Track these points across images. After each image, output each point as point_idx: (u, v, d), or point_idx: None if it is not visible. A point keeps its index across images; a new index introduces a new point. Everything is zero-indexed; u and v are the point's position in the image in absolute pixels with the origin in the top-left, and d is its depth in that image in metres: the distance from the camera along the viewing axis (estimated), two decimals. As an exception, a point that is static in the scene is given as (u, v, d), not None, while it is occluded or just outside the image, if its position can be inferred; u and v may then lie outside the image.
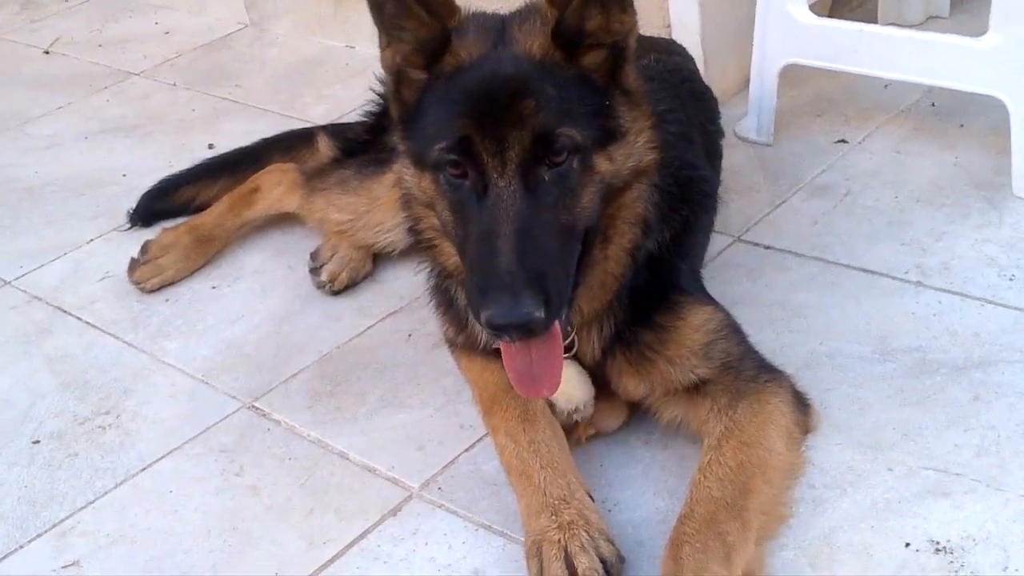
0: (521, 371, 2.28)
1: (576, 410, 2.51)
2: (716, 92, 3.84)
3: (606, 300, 2.47)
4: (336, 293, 3.31)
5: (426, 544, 2.41)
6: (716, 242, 3.19)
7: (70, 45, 5.57)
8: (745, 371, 2.47)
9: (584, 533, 2.21)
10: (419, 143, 2.34)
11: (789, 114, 3.78)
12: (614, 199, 2.35)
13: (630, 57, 2.35)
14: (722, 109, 3.79)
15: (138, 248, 3.52)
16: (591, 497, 2.35)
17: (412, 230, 2.59)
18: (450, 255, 2.46)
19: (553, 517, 2.26)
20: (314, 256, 3.38)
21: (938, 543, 2.20)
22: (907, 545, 2.21)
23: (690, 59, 3.50)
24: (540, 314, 2.11)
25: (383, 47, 2.39)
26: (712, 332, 2.50)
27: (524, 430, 2.46)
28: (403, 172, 2.47)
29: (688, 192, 2.60)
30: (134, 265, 3.45)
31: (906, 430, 2.47)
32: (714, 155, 3.12)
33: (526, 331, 2.14)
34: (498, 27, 2.35)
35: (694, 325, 2.49)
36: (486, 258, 2.18)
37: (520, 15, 2.36)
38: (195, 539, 2.53)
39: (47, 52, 5.55)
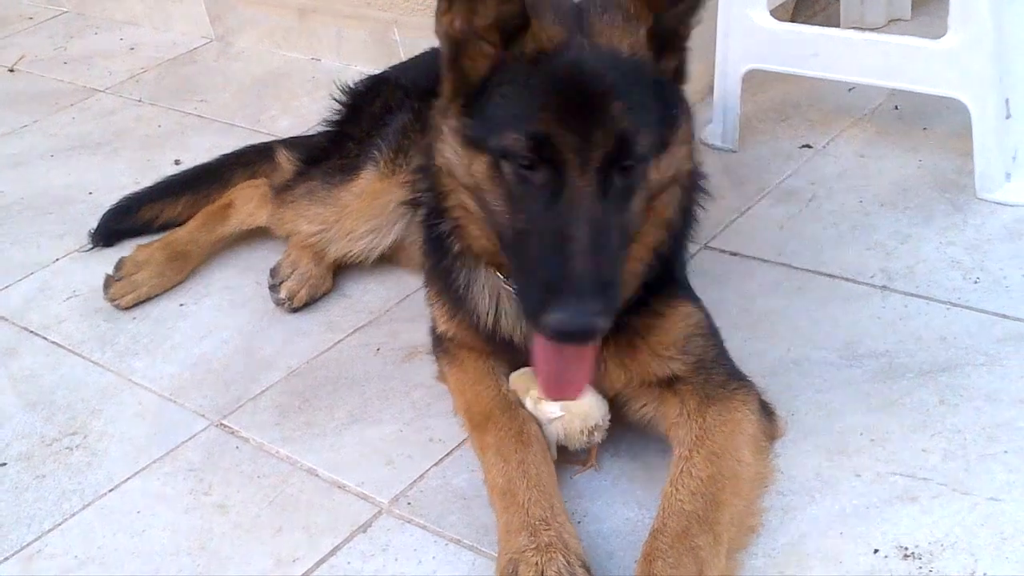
0: (554, 372, 2.26)
1: (595, 428, 2.47)
2: (681, 99, 3.87)
3: (624, 297, 2.36)
4: (295, 310, 3.29)
5: (396, 560, 2.40)
6: (683, 249, 3.20)
7: (35, 63, 5.54)
8: (716, 374, 2.48)
9: (561, 557, 2.18)
10: (483, 125, 2.23)
11: (754, 119, 3.80)
12: (649, 204, 2.31)
13: (687, 63, 2.34)
14: (687, 116, 3.83)
15: (107, 266, 3.50)
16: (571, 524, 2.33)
17: (430, 203, 2.52)
18: (479, 238, 2.40)
19: (532, 537, 2.23)
20: (273, 273, 3.37)
21: (906, 549, 2.21)
22: (876, 551, 2.21)
23: None
24: (606, 324, 2.10)
25: (442, 12, 2.25)
26: (693, 327, 2.51)
27: (516, 450, 2.42)
28: (443, 148, 2.34)
29: (694, 188, 2.58)
30: (109, 282, 3.43)
31: (873, 435, 2.48)
32: None
33: (588, 339, 2.13)
34: (575, 14, 2.25)
35: (679, 317, 2.50)
36: (555, 259, 2.11)
37: (599, 4, 2.25)
38: (164, 559, 2.52)
39: (12, 70, 5.51)
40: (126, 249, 3.61)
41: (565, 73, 2.18)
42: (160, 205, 3.75)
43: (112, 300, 3.42)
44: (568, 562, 2.18)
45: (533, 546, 2.21)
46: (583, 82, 2.16)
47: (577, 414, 2.46)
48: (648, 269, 2.44)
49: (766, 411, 2.51)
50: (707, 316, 2.57)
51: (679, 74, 2.33)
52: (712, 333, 2.55)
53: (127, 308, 3.41)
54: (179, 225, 3.66)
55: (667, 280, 2.52)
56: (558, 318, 2.07)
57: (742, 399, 2.45)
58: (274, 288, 3.34)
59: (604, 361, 2.47)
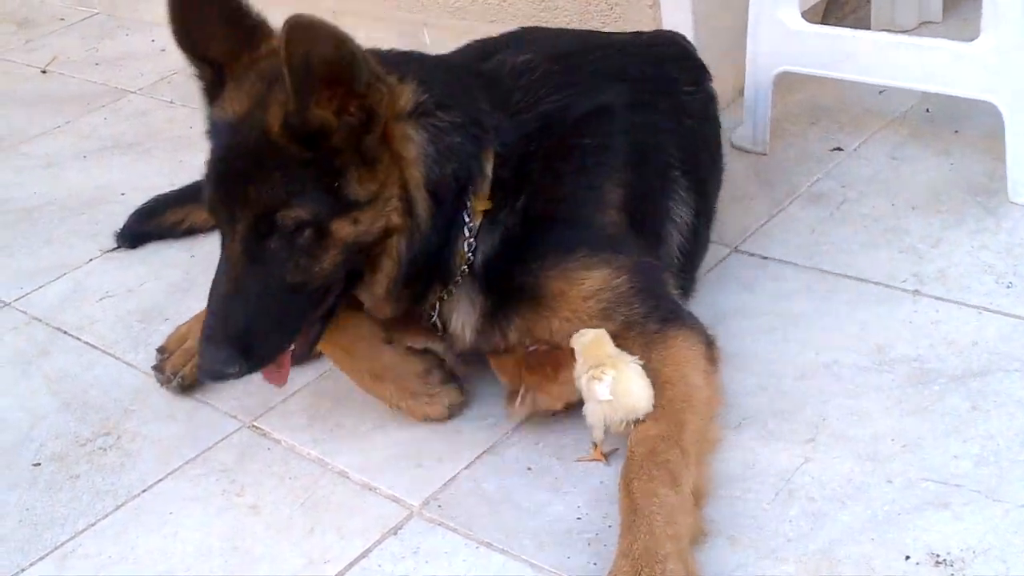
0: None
1: (638, 421, 2.45)
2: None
3: (404, 299, 2.62)
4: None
5: (427, 562, 2.42)
6: (713, 252, 3.20)
7: (67, 64, 5.58)
8: (650, 326, 2.58)
9: None
10: None
11: (784, 122, 3.78)
12: (372, 248, 2.49)
13: (376, 128, 2.40)
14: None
15: (141, 266, 3.60)
16: None
17: None
18: None
19: None
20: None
21: (938, 555, 2.20)
22: (907, 558, 2.21)
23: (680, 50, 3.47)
24: (233, 369, 2.43)
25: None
26: (607, 300, 2.58)
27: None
28: None
29: (524, 165, 2.65)
30: (162, 365, 3.10)
31: (905, 441, 2.47)
32: (698, 146, 3.09)
33: (219, 379, 2.58)
34: (269, 81, 2.41)
35: (586, 293, 2.58)
36: (206, 313, 2.48)
37: (278, 77, 2.34)
38: (196, 559, 2.54)
39: (44, 71, 5.55)
40: (151, 251, 3.74)
41: (221, 151, 2.47)
42: (187, 209, 3.76)
43: (173, 376, 3.05)
44: None
45: None
46: (229, 163, 2.44)
47: (624, 405, 2.45)
48: (410, 269, 2.54)
49: (708, 342, 2.61)
50: (628, 275, 2.60)
51: (361, 139, 2.39)
52: (636, 293, 2.60)
53: (193, 379, 3.05)
54: (204, 231, 3.69)
55: (547, 254, 2.60)
56: (199, 361, 2.52)
57: (684, 336, 2.58)
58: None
59: (503, 346, 2.68)
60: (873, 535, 2.27)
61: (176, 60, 5.24)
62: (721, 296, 3.03)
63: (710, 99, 3.25)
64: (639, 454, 2.34)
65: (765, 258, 3.16)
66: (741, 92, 3.76)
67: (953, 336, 2.75)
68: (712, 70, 3.87)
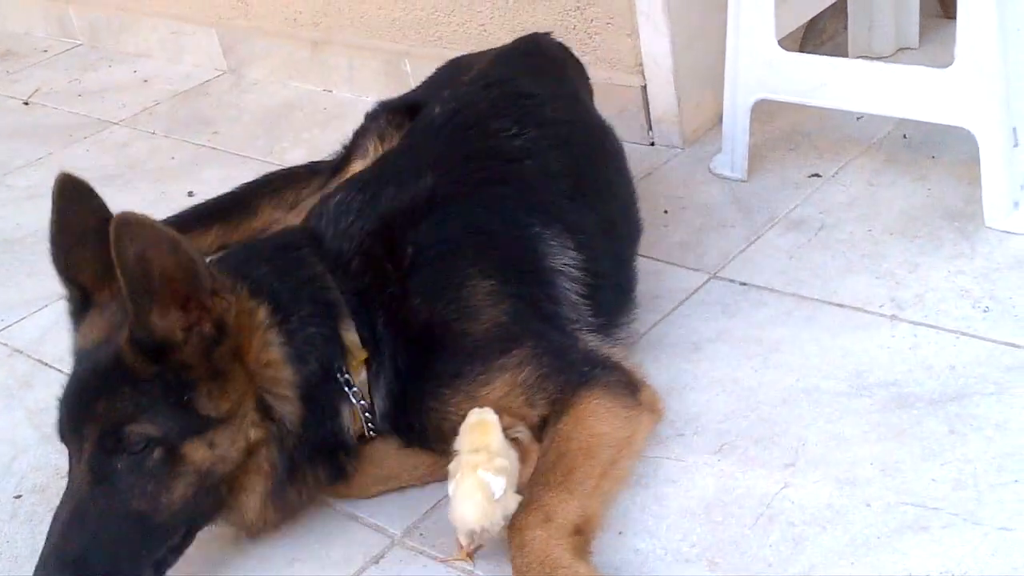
0: None
1: (478, 533, 2.39)
2: (690, 129, 3.92)
3: (294, 499, 2.55)
4: None
5: (412, 588, 2.43)
6: (691, 280, 3.22)
7: (49, 95, 5.59)
8: (561, 397, 2.54)
9: None
10: None
11: (763, 149, 3.81)
12: (234, 476, 2.42)
13: (228, 341, 2.37)
14: (696, 145, 3.88)
15: None
16: None
17: None
18: None
19: None
20: None
21: (917, 579, 2.22)
22: (886, 581, 2.22)
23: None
24: None
25: None
26: (517, 399, 2.55)
27: None
28: None
29: (382, 310, 2.61)
30: None
31: (884, 465, 2.49)
32: (564, 170, 3.02)
33: None
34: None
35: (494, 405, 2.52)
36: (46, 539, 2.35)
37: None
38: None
39: (26, 103, 5.56)
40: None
41: (76, 375, 2.44)
42: (191, 236, 3.75)
43: None
44: None
45: None
46: (79, 381, 2.41)
47: (455, 510, 2.39)
48: (297, 491, 2.53)
49: (628, 386, 2.60)
50: (524, 363, 2.56)
51: (210, 351, 2.36)
52: (542, 376, 2.56)
53: None
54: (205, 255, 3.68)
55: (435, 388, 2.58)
56: None
57: (592, 394, 2.53)
58: None
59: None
60: (853, 559, 2.28)
61: (159, 91, 5.35)
62: (700, 323, 3.04)
63: (574, 99, 3.29)
64: (526, 501, 2.35)
65: (744, 284, 3.18)
66: (719, 119, 3.79)
67: (931, 360, 2.76)
68: (691, 97, 3.94)
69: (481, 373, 2.56)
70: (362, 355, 2.57)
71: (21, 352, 3.51)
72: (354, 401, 2.56)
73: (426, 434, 2.60)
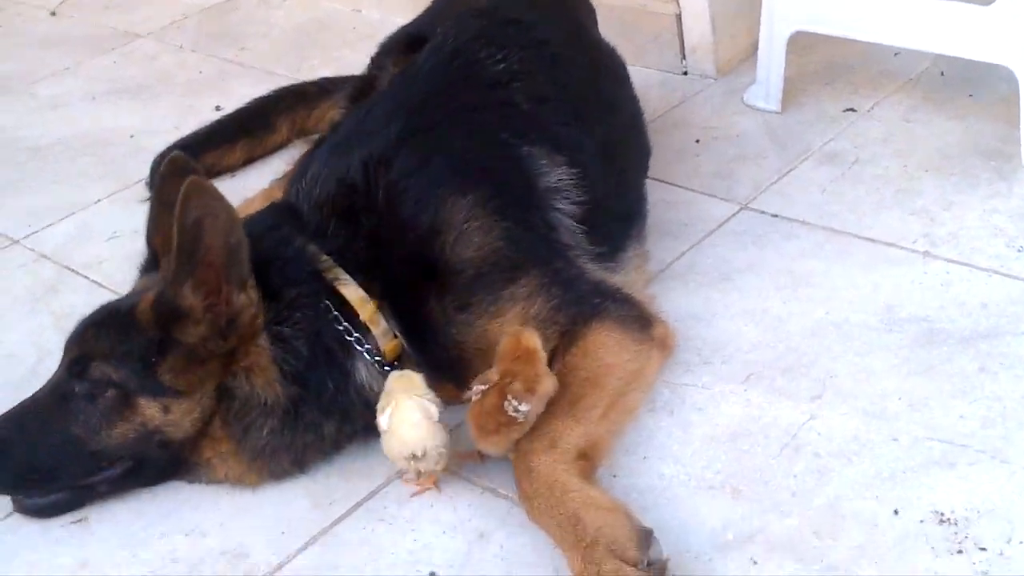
0: None
1: (420, 456, 2.39)
2: (724, 59, 3.86)
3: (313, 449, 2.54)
4: None
5: (431, 506, 2.43)
6: (722, 210, 3.21)
7: (76, 7, 5.53)
8: (573, 328, 2.52)
9: None
10: None
11: (798, 81, 3.76)
12: (193, 440, 2.47)
13: (231, 340, 2.41)
14: (730, 76, 3.83)
15: (144, 215, 3.46)
16: None
17: None
18: None
19: None
20: None
21: (942, 514, 2.21)
22: (911, 516, 2.21)
23: None
24: None
25: None
26: (532, 319, 2.51)
27: None
28: None
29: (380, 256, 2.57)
30: None
31: (912, 400, 2.48)
32: (555, 86, 2.96)
33: None
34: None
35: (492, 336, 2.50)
36: None
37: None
38: (203, 497, 2.54)
39: (54, 13, 5.51)
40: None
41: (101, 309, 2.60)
42: (214, 153, 3.76)
43: None
44: None
45: None
46: (95, 312, 2.57)
47: (396, 435, 2.39)
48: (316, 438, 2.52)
49: (639, 320, 2.57)
50: (535, 295, 2.53)
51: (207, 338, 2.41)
52: (553, 307, 2.53)
53: None
54: (228, 174, 3.73)
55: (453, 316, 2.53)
56: None
57: (596, 324, 2.52)
58: None
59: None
60: (878, 492, 2.28)
61: (187, 5, 5.30)
62: (730, 253, 3.03)
63: (569, 21, 3.25)
64: (537, 423, 2.34)
65: (776, 216, 3.16)
66: (755, 50, 3.74)
67: (963, 298, 2.74)
68: (725, 27, 3.89)
69: (491, 304, 2.53)
70: (371, 305, 2.53)
71: (47, 258, 3.52)
72: (368, 357, 2.52)
73: (447, 366, 2.56)
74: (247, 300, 2.40)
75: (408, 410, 2.37)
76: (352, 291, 2.52)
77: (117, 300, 2.64)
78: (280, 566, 2.34)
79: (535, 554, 2.27)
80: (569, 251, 2.69)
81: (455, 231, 2.55)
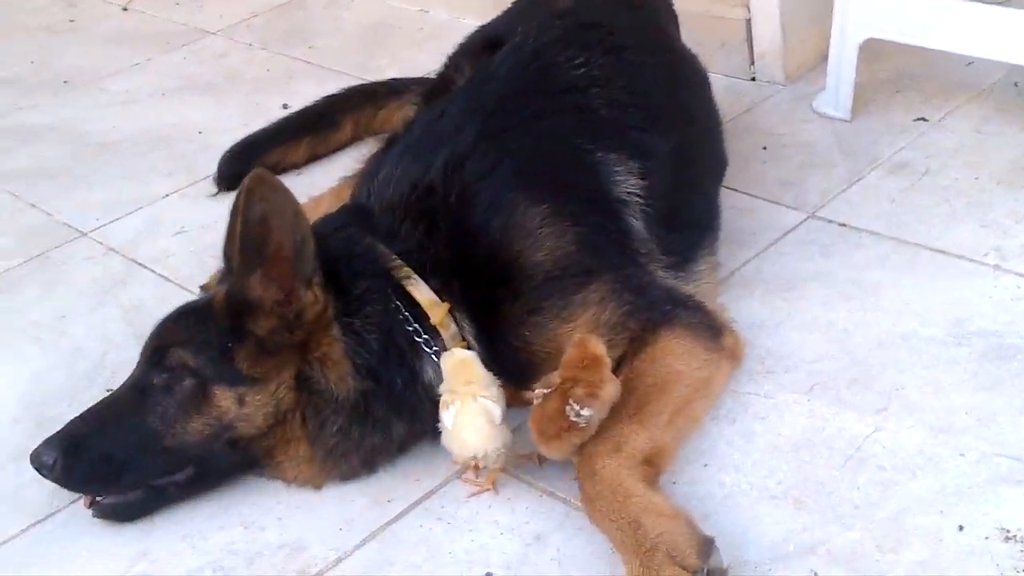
0: None
1: (480, 459, 2.42)
2: (793, 65, 3.83)
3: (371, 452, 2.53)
4: None
5: (489, 507, 2.43)
6: (788, 218, 3.18)
7: (148, 3, 5.61)
8: (642, 335, 2.50)
9: None
10: None
11: (868, 90, 3.72)
12: (266, 437, 2.47)
13: (298, 333, 2.42)
14: (799, 83, 3.82)
15: (217, 206, 3.58)
16: None
17: None
18: None
19: None
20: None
21: (1008, 531, 2.17)
22: (975, 532, 2.18)
23: None
24: (46, 469, 2.44)
25: None
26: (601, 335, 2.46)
27: None
28: None
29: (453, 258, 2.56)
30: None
31: (979, 415, 2.44)
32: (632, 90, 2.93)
33: (39, 471, 2.46)
34: None
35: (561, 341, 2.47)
36: None
37: None
38: (262, 491, 2.56)
39: (125, 9, 5.60)
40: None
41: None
42: (284, 149, 3.80)
43: None
44: None
45: None
46: (176, 310, 2.60)
47: (458, 439, 2.41)
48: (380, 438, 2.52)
49: (710, 329, 2.55)
50: (605, 301, 2.52)
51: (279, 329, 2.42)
52: (623, 313, 2.51)
53: None
54: (295, 170, 3.76)
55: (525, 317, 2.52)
56: None
57: (666, 331, 2.50)
58: None
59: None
60: (942, 507, 2.24)
61: (256, 3, 5.34)
62: (796, 261, 3.00)
63: (652, 28, 3.22)
64: (603, 428, 2.32)
65: (843, 225, 3.12)
66: (825, 57, 3.70)
67: (1034, 313, 2.70)
68: (796, 33, 3.86)
69: (563, 308, 2.52)
70: (443, 308, 2.52)
71: (116, 251, 3.56)
72: (435, 359, 2.50)
73: (515, 370, 2.54)
74: (313, 297, 2.41)
75: (471, 413, 2.39)
76: (422, 293, 2.51)
77: (194, 300, 2.68)
78: (338, 561, 2.35)
79: (592, 558, 2.26)
80: (641, 258, 2.67)
81: (529, 236, 2.54)
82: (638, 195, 2.72)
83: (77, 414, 2.53)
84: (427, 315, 2.51)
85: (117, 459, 2.47)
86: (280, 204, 2.34)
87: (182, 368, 2.45)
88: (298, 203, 2.38)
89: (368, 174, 2.83)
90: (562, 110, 2.82)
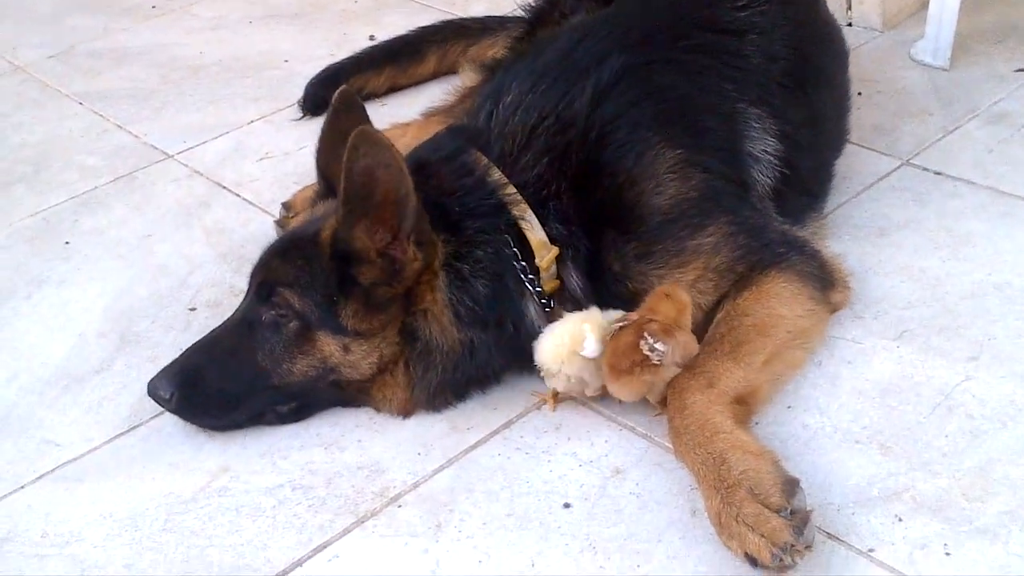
0: None
1: (543, 367, 2.41)
2: (892, 11, 3.75)
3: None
4: None
5: (568, 439, 2.42)
6: (882, 164, 3.12)
7: (238, -70, 5.62)
8: (749, 275, 2.48)
9: None
10: None
11: (968, 39, 3.63)
12: (369, 382, 2.49)
13: (399, 286, 2.40)
14: (897, 29, 3.70)
15: (301, 132, 3.64)
16: None
17: None
18: None
19: None
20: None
21: (1100, 483, 2.12)
22: (1068, 483, 2.13)
23: None
24: (163, 399, 2.49)
25: None
26: (712, 280, 2.48)
27: None
28: None
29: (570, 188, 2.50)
30: (283, 221, 3.17)
31: (1075, 368, 2.38)
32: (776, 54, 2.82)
33: (154, 399, 2.51)
34: None
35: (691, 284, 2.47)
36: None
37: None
38: (343, 414, 2.56)
39: (215, -63, 5.60)
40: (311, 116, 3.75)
41: (285, 234, 2.71)
42: (365, 77, 3.79)
43: None
44: None
45: None
46: (283, 241, 2.60)
47: (541, 343, 2.42)
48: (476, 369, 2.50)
49: (821, 280, 2.51)
50: (718, 248, 2.48)
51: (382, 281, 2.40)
52: (735, 258, 2.48)
53: None
54: (379, 97, 3.75)
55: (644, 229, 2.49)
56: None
57: (775, 272, 2.47)
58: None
59: None
60: (1031, 458, 2.20)
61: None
62: (889, 208, 2.94)
63: None
64: (696, 362, 2.32)
65: (938, 174, 3.05)
66: (925, 4, 3.61)
67: None
68: (899, -20, 3.76)
69: (674, 255, 2.47)
70: (552, 252, 2.47)
71: (201, 174, 3.58)
72: (536, 298, 2.48)
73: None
74: (412, 254, 2.37)
75: (562, 331, 2.38)
76: (535, 234, 2.47)
77: (300, 227, 2.62)
78: (416, 484, 2.36)
79: (670, 494, 2.25)
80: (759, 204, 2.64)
81: (654, 180, 2.49)
82: (770, 155, 2.68)
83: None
84: (535, 254, 2.47)
85: (229, 393, 2.50)
86: (386, 159, 2.29)
87: (288, 307, 2.44)
88: (402, 159, 2.32)
89: (489, 94, 2.71)
90: (714, 50, 2.74)
